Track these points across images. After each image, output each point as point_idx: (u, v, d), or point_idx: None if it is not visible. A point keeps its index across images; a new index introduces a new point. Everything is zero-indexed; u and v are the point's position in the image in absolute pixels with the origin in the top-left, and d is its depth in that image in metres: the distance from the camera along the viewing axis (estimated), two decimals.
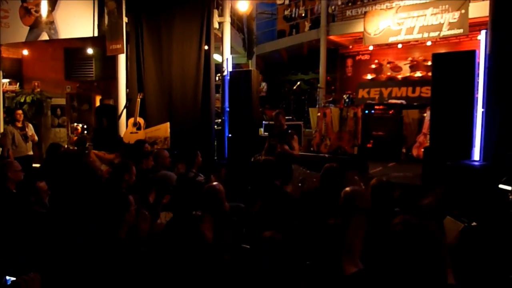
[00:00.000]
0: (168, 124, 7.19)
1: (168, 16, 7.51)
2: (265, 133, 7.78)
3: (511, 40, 4.28)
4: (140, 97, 7.40)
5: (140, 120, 7.28)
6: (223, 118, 7.67)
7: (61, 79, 9.85)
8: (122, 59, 7.87)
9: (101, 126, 7.68)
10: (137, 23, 7.69)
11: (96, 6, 7.85)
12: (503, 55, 4.36)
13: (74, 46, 9.36)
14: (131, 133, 7.16)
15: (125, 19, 7.60)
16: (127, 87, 7.98)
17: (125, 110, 7.73)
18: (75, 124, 9.56)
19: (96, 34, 7.89)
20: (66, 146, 8.09)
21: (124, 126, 7.67)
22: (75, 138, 8.46)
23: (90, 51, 9.36)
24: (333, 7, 10.28)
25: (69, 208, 3.23)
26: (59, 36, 8.19)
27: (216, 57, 8.06)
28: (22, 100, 9.31)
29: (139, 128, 7.22)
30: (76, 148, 7.30)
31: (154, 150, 5.51)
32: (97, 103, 10.07)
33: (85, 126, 9.46)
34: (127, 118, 7.59)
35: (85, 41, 8.86)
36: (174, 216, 3.36)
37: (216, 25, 7.53)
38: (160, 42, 7.58)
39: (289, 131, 5.39)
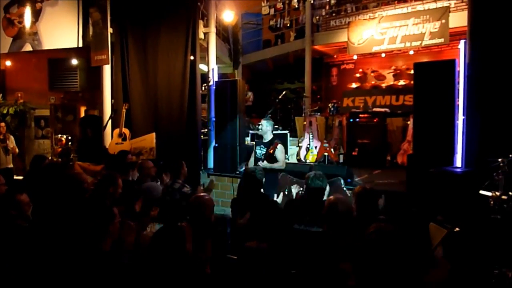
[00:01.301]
0: (153, 134, 7.14)
1: (153, 27, 7.50)
2: (252, 142, 7.79)
3: (489, 49, 4.39)
4: (126, 107, 7.36)
5: (126, 131, 7.23)
6: (209, 128, 7.67)
7: (45, 90, 9.71)
8: (107, 69, 7.83)
9: (86, 137, 7.61)
10: (122, 34, 7.67)
11: (80, 17, 7.82)
12: (481, 64, 4.47)
13: (58, 57, 9.26)
14: (117, 144, 7.09)
15: (110, 30, 7.58)
16: (112, 97, 7.93)
17: (110, 121, 7.66)
18: (59, 135, 9.44)
19: (80, 45, 7.85)
20: (50, 157, 7.97)
21: (109, 137, 7.61)
22: (59, 149, 8.35)
23: (74, 61, 9.28)
24: (317, 17, 10.41)
25: (52, 221, 3.17)
26: (42, 47, 8.13)
27: (202, 67, 8.07)
28: (5, 112, 9.17)
29: (124, 139, 7.17)
30: (60, 159, 7.20)
31: (139, 161, 5.46)
32: (82, 114, 9.97)
33: (69, 137, 9.34)
34: (113, 129, 7.52)
35: (69, 51, 8.78)
36: (160, 228, 3.32)
37: (201, 35, 7.55)
38: (146, 53, 7.57)
39: (275, 140, 5.39)
